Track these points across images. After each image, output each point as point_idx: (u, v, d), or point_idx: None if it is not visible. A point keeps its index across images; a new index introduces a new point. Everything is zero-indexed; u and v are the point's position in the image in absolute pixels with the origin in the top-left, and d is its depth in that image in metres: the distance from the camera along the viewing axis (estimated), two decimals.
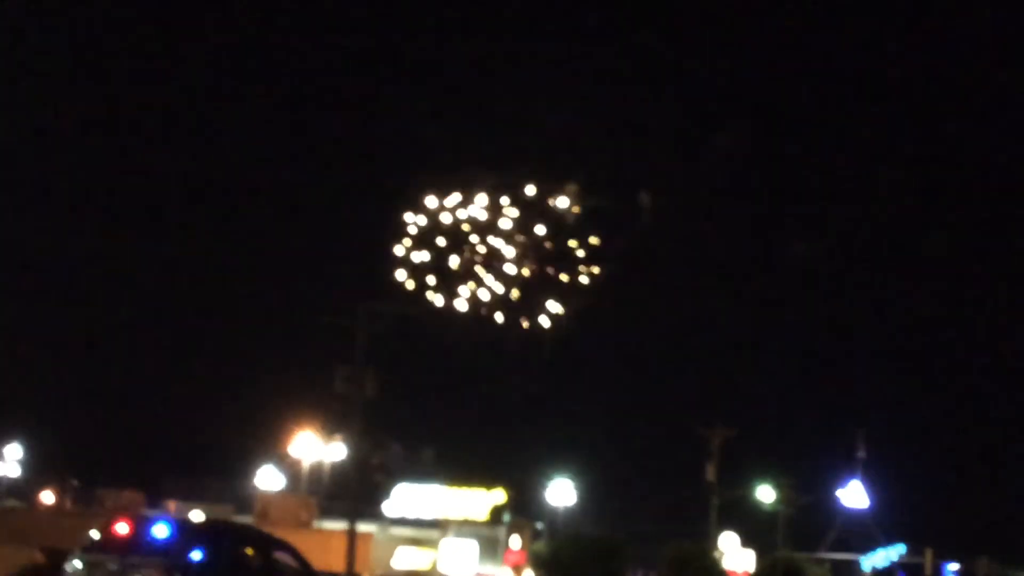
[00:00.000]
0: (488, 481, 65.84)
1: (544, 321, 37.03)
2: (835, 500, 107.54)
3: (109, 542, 21.04)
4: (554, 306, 37.27)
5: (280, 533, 26.05)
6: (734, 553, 74.33)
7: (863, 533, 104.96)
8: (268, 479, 71.58)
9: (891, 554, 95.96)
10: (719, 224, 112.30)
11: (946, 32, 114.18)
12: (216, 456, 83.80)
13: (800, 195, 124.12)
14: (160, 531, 21.10)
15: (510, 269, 36.92)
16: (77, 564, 20.95)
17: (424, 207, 37.56)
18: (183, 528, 21.87)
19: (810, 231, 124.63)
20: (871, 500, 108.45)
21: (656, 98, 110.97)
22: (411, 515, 65.39)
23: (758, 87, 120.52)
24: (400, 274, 37.57)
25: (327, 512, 61.96)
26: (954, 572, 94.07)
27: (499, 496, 65.60)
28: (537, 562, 62.15)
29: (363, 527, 47.48)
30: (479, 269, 36.76)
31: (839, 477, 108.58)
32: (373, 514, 61.44)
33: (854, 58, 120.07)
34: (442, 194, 37.36)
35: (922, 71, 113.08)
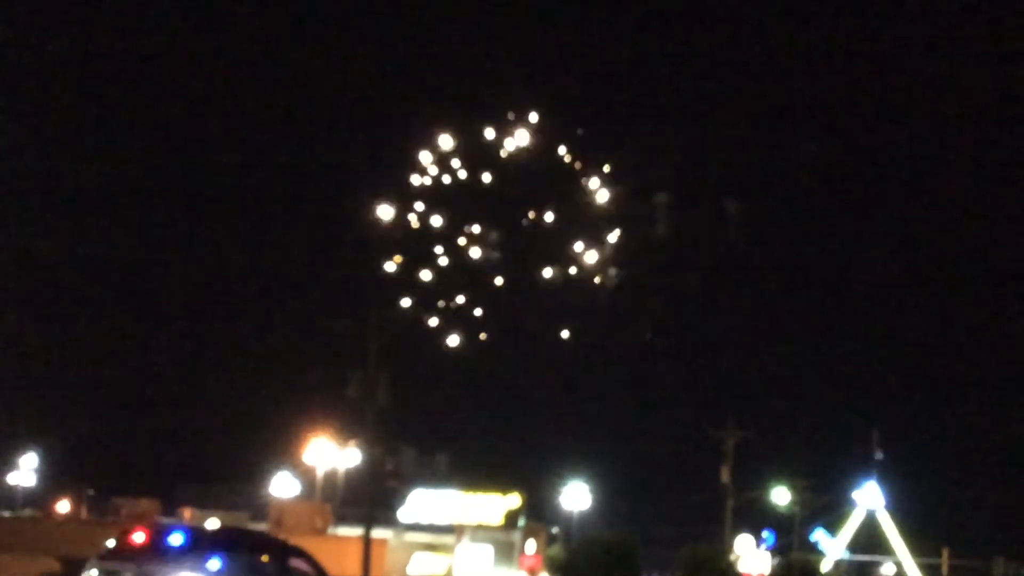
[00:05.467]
0: (503, 486, 65.83)
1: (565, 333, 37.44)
2: (851, 501, 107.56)
3: (125, 550, 21.05)
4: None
5: (295, 540, 26.04)
6: (749, 555, 74.19)
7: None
8: (283, 486, 71.65)
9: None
10: (734, 226, 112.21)
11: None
12: (231, 464, 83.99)
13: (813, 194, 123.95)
14: (176, 539, 21.10)
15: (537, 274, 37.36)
16: (93, 573, 20.96)
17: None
18: (199, 536, 21.86)
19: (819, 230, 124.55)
20: (887, 501, 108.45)
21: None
22: (426, 521, 65.41)
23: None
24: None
25: (342, 519, 62.03)
26: None
27: (514, 500, 65.58)
28: (552, 566, 62.17)
29: (378, 533, 47.49)
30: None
31: (855, 478, 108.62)
32: (388, 520, 61.47)
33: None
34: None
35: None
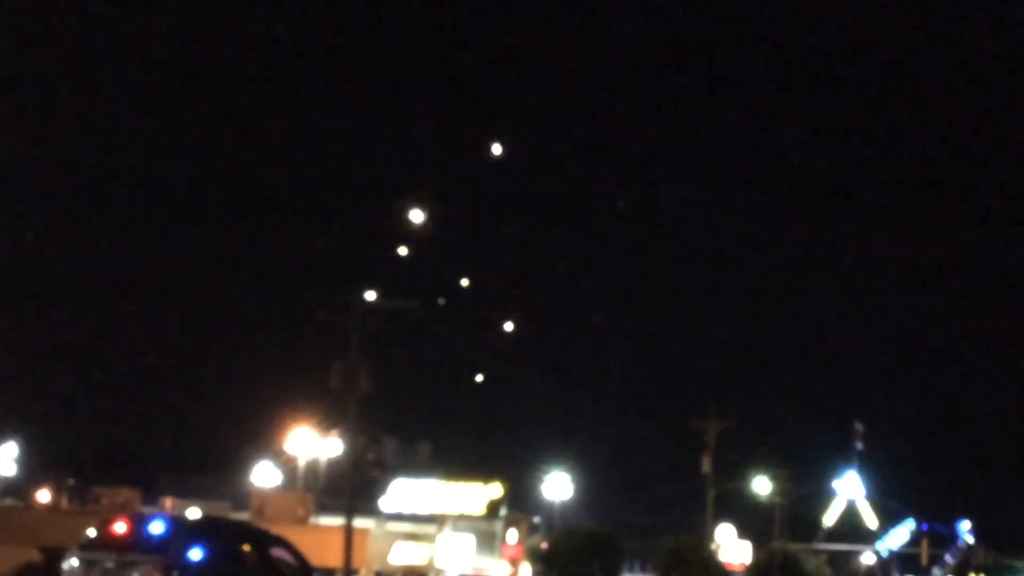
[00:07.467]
0: (485, 475, 65.85)
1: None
2: (831, 491, 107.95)
3: (106, 540, 20.99)
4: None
5: (277, 529, 26.04)
6: (731, 545, 74.47)
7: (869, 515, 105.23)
8: (264, 475, 71.53)
9: (905, 532, 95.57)
10: (716, 216, 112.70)
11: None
12: (212, 453, 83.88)
13: (793, 184, 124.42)
14: (157, 528, 21.07)
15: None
16: (74, 562, 20.91)
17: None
18: (180, 525, 21.84)
19: (808, 221, 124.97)
20: (867, 490, 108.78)
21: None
22: (408, 510, 65.38)
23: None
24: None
25: (324, 508, 61.97)
26: (968, 531, 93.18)
27: (496, 490, 65.60)
28: (534, 556, 62.31)
29: (360, 523, 47.46)
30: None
31: (836, 468, 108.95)
32: (370, 509, 61.41)
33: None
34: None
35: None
